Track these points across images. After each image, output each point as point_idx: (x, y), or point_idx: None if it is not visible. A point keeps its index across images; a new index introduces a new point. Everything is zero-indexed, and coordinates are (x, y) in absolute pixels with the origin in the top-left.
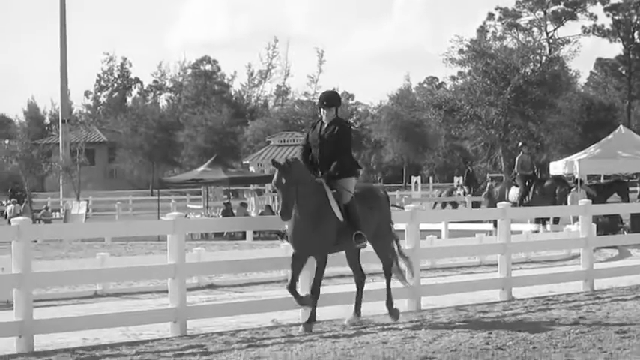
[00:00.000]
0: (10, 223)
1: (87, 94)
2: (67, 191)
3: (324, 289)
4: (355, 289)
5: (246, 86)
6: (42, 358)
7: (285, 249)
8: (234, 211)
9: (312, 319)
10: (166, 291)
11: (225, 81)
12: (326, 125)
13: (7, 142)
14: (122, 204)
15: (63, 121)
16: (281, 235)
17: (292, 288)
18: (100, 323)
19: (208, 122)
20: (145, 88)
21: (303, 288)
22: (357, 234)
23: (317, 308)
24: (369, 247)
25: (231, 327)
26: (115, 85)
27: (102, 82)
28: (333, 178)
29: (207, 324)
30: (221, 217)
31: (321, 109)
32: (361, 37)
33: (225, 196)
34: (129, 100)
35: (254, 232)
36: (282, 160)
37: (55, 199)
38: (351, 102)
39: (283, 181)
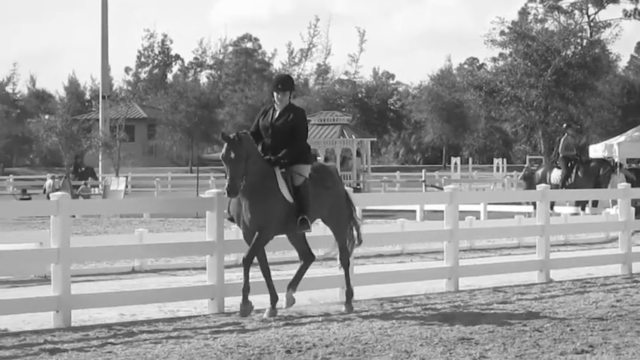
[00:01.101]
0: (49, 198)
1: (127, 70)
2: (107, 167)
3: (362, 269)
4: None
5: (286, 65)
6: (79, 333)
7: (323, 228)
8: None
9: (246, 297)
10: (204, 268)
11: (266, 59)
12: (278, 112)
13: (47, 117)
14: (161, 180)
15: (103, 97)
16: (231, 218)
17: (266, 273)
18: (137, 299)
19: (248, 100)
20: (185, 65)
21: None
22: (302, 219)
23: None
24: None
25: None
26: (156, 61)
27: (142, 59)
28: (283, 164)
29: None
30: None
31: (274, 93)
32: (403, 17)
33: None
34: (169, 76)
35: None
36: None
37: None
38: (391, 82)
39: (232, 155)
